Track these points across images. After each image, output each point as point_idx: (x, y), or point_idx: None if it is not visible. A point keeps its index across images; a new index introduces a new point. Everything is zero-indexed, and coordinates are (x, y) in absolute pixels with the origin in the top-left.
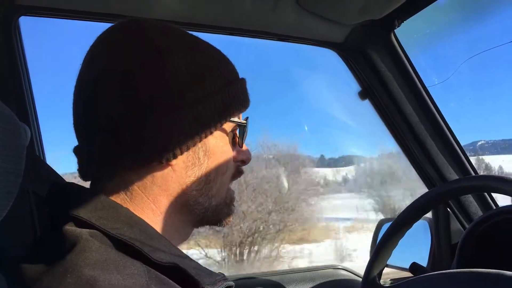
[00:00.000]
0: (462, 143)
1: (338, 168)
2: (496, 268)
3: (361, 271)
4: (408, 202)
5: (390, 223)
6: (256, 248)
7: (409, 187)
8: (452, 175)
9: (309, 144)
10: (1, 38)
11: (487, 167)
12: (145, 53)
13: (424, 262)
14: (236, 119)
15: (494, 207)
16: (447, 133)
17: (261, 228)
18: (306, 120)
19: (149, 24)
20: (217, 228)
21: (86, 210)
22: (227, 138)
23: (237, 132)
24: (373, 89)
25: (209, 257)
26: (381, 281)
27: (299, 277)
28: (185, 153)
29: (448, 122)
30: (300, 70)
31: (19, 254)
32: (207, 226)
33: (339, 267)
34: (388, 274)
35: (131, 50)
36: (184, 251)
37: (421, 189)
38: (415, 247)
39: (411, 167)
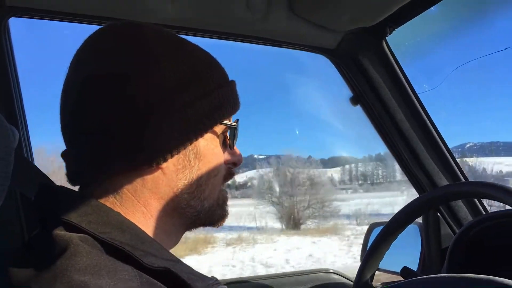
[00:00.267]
0: (451, 146)
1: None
2: (486, 272)
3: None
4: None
5: (381, 227)
6: None
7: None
8: (443, 180)
9: None
10: None
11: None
12: (136, 57)
13: (414, 266)
14: (227, 121)
15: (484, 212)
16: (437, 139)
17: None
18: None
19: (140, 27)
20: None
21: (76, 214)
22: (217, 140)
23: (228, 134)
24: (364, 95)
25: None
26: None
27: (291, 280)
28: (176, 156)
29: (438, 129)
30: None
31: (6, 257)
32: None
33: (331, 270)
34: (379, 277)
35: (122, 54)
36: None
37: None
38: (405, 251)
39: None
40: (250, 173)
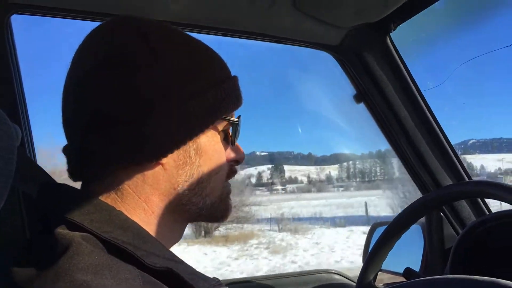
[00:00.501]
0: (453, 142)
1: None
2: (490, 274)
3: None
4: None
5: (383, 227)
6: None
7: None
8: (446, 180)
9: None
10: None
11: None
12: (138, 53)
13: (416, 267)
14: (229, 117)
15: (487, 212)
16: (441, 137)
17: None
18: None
19: (141, 22)
20: (216, 224)
21: (79, 212)
22: (219, 136)
23: (230, 131)
24: (368, 92)
25: None
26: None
27: (293, 281)
28: (176, 152)
29: (442, 127)
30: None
31: (8, 256)
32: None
33: (332, 271)
34: (381, 277)
35: (122, 49)
36: None
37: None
38: (407, 251)
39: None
40: None
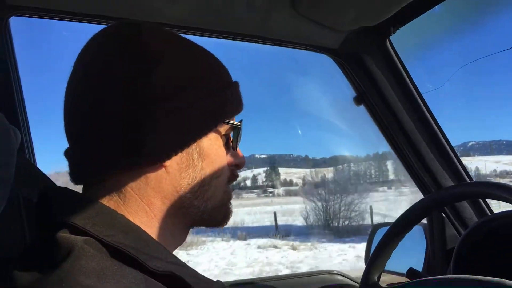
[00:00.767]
0: (453, 144)
1: None
2: (493, 274)
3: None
4: None
5: (384, 228)
6: None
7: None
8: (447, 181)
9: None
10: None
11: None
12: (140, 57)
13: (418, 267)
14: (230, 121)
15: (489, 213)
16: (441, 139)
17: None
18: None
19: (143, 27)
20: (215, 229)
21: (80, 216)
22: (221, 140)
23: (231, 135)
24: (368, 95)
25: None
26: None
27: (295, 282)
28: (179, 155)
29: (442, 128)
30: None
31: (9, 260)
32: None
33: (335, 272)
34: (383, 278)
35: (127, 54)
36: None
37: None
38: (410, 252)
39: None
40: None
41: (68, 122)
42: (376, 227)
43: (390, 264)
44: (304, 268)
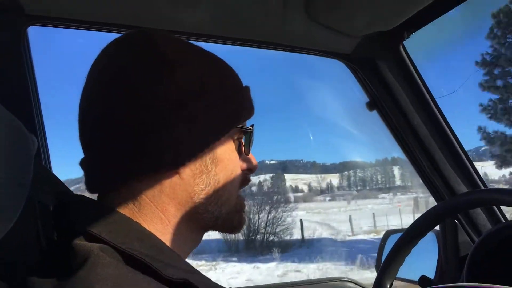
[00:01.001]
0: (466, 149)
1: None
2: (506, 282)
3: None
4: None
5: (396, 234)
6: None
7: None
8: (461, 187)
9: None
10: (9, 48)
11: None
12: (156, 66)
13: (431, 274)
14: (243, 126)
15: (503, 220)
16: (455, 144)
17: None
18: None
19: (157, 35)
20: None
21: (96, 224)
22: (233, 145)
23: (243, 140)
24: (381, 100)
25: None
26: None
27: None
28: (193, 161)
29: (456, 134)
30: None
31: (25, 266)
32: None
33: (346, 279)
34: (395, 284)
35: (141, 62)
36: None
37: None
38: (422, 259)
39: None
40: None
41: (82, 130)
42: (387, 234)
43: (402, 272)
44: None
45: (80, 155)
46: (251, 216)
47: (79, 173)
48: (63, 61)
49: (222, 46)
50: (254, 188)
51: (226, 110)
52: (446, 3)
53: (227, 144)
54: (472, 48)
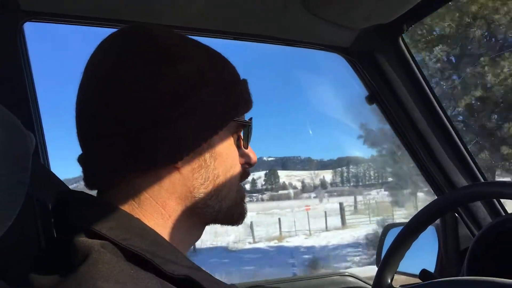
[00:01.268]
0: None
1: None
2: (507, 276)
3: None
4: None
5: (396, 228)
6: None
7: None
8: (461, 180)
9: None
10: (5, 44)
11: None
12: (152, 60)
13: (431, 268)
14: (241, 119)
15: (503, 213)
16: (455, 138)
17: None
18: None
19: (155, 29)
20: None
21: (97, 220)
22: (232, 139)
23: (242, 134)
24: (380, 93)
25: None
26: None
27: (307, 284)
28: (191, 156)
29: (456, 127)
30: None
31: (24, 264)
32: None
33: (347, 273)
34: (396, 278)
35: (138, 57)
36: None
37: None
38: (422, 253)
39: None
40: None
41: (80, 126)
42: (387, 227)
43: (403, 265)
44: None
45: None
46: None
47: (77, 172)
48: (60, 57)
49: (219, 40)
50: None
51: (224, 103)
52: None
53: (226, 138)
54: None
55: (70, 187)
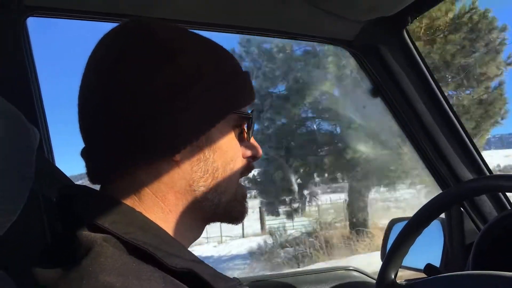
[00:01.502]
0: None
1: None
2: None
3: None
4: None
5: (401, 223)
6: None
7: None
8: (467, 174)
9: None
10: (9, 39)
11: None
12: (151, 53)
13: (436, 263)
14: (241, 111)
15: (509, 207)
16: (460, 131)
17: None
18: None
19: (154, 23)
20: (231, 225)
21: (100, 214)
22: (232, 132)
23: (245, 127)
24: (385, 86)
25: None
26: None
27: (312, 278)
28: (190, 148)
29: (461, 120)
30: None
31: (29, 258)
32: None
33: (351, 268)
34: (401, 273)
35: (139, 50)
36: None
37: None
38: (427, 247)
39: None
40: None
41: (82, 120)
42: (392, 222)
43: (408, 260)
44: None
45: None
46: None
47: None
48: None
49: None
50: None
51: (222, 96)
52: None
53: (226, 130)
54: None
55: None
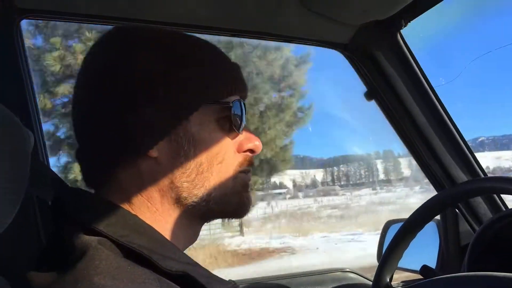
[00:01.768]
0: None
1: None
2: (508, 270)
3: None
4: None
5: (397, 224)
6: None
7: None
8: (461, 176)
9: None
10: (2, 42)
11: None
12: (117, 50)
13: (432, 264)
14: (218, 101)
15: (504, 208)
16: (454, 133)
17: None
18: None
19: (131, 26)
20: (233, 220)
21: (94, 217)
22: (215, 125)
23: (232, 118)
24: (379, 89)
25: None
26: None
27: (308, 280)
28: (167, 144)
29: (455, 123)
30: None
31: (24, 261)
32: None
33: (347, 269)
34: (397, 275)
35: (108, 50)
36: None
37: None
38: (423, 249)
39: None
40: None
41: (74, 124)
42: (388, 224)
43: (404, 262)
44: None
45: None
46: None
47: None
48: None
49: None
50: None
51: (194, 87)
52: None
53: (206, 123)
54: (472, 35)
55: None
